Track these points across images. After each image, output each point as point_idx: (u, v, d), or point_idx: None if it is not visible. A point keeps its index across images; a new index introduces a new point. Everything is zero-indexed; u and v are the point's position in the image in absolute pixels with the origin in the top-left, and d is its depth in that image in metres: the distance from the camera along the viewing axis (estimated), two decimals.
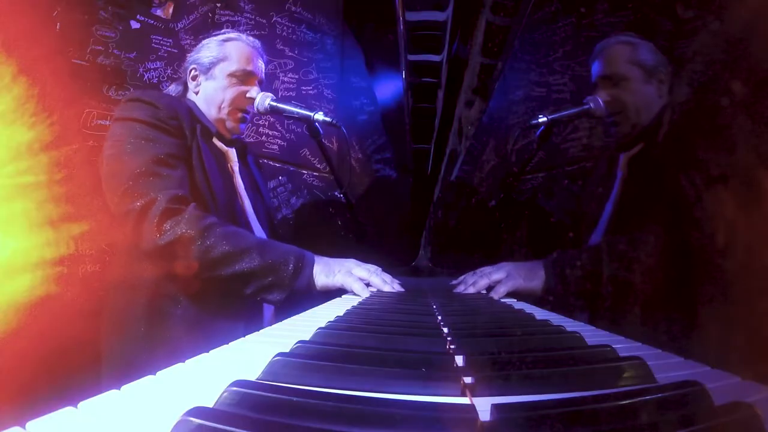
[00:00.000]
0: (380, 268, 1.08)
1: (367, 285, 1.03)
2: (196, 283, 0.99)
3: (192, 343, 0.98)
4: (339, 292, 1.05)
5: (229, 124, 1.22)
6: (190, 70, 1.23)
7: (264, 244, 1.01)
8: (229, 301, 1.04)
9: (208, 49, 1.23)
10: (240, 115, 1.22)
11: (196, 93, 1.23)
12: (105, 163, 1.02)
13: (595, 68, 1.24)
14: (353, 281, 1.01)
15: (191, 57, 1.25)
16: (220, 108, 1.20)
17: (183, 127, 1.08)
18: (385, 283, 1.04)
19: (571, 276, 1.00)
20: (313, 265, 1.02)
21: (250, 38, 1.28)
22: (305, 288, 1.00)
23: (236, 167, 1.24)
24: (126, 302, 1.03)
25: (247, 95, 1.22)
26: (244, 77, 1.22)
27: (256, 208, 1.25)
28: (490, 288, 1.06)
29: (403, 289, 1.06)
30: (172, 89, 1.28)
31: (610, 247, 1.01)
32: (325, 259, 1.05)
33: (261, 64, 1.27)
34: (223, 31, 1.27)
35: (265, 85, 1.29)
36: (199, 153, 1.08)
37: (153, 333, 0.99)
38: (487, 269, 1.10)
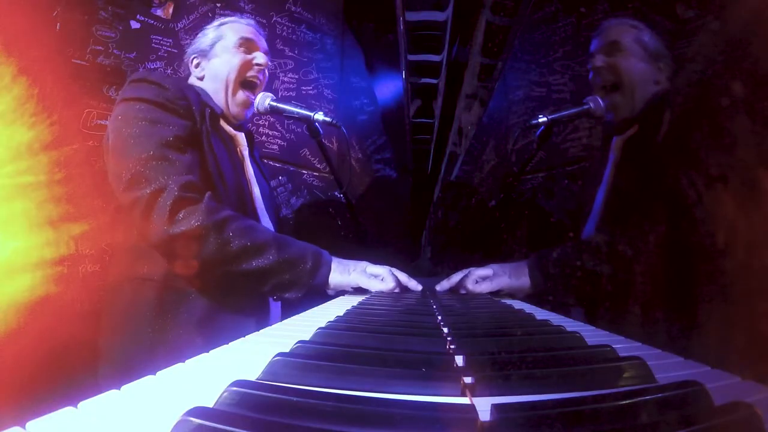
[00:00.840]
0: (393, 269, 1.06)
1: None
2: (206, 276, 0.96)
3: (202, 339, 0.96)
4: (341, 292, 1.05)
5: (234, 108, 1.19)
6: (192, 59, 1.22)
7: (281, 240, 0.98)
8: (239, 296, 1.01)
9: (205, 35, 1.23)
10: (245, 95, 1.19)
11: (201, 78, 1.20)
12: (110, 146, 0.97)
13: (597, 40, 1.22)
14: (369, 279, 1.00)
15: (190, 48, 1.24)
16: (226, 84, 1.16)
17: (192, 109, 1.04)
18: (393, 282, 1.02)
19: (558, 273, 1.00)
20: (330, 264, 1.00)
21: (244, 18, 1.29)
22: (321, 286, 0.98)
23: (246, 152, 1.23)
24: (132, 299, 1.00)
25: (254, 61, 1.20)
26: (246, 46, 1.20)
27: (263, 196, 1.23)
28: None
29: (420, 287, 1.05)
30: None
31: (609, 246, 1.01)
32: (340, 259, 1.04)
33: (260, 36, 1.26)
34: (217, 17, 1.30)
35: (265, 85, 1.29)
36: (209, 137, 1.05)
37: (161, 330, 0.96)
38: (474, 269, 1.09)
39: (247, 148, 1.24)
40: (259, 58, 1.20)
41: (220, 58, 1.18)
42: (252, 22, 1.29)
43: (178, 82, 1.07)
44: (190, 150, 0.99)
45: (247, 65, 1.19)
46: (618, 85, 1.15)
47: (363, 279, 1.00)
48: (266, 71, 1.25)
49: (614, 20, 1.25)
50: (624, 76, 1.14)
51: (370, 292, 1.02)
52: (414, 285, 1.05)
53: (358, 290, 1.05)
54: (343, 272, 1.00)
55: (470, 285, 1.06)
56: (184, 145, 0.98)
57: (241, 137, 1.23)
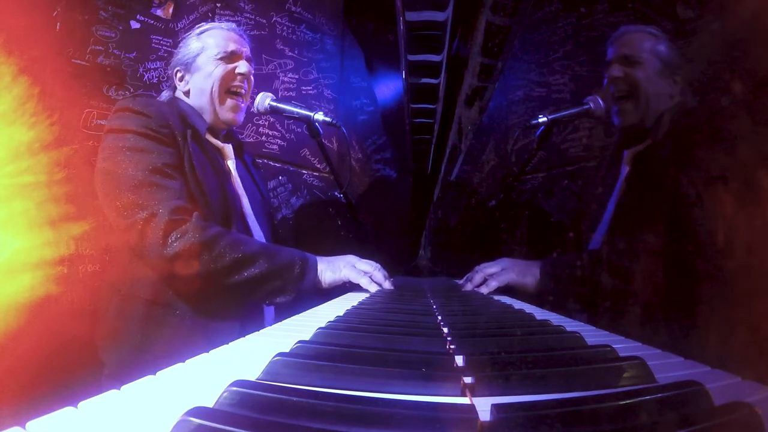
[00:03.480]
0: (379, 265, 1.11)
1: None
2: (202, 291, 1.00)
3: (189, 349, 0.97)
4: (340, 290, 1.06)
5: (224, 114, 1.19)
6: (176, 73, 1.22)
7: (270, 249, 1.03)
8: (226, 308, 1.04)
9: (187, 46, 1.22)
10: (233, 101, 1.19)
11: (186, 93, 1.21)
12: (100, 176, 1.01)
13: (614, 48, 1.20)
14: (359, 275, 1.05)
15: (173, 60, 1.24)
16: (212, 96, 1.17)
17: (174, 135, 1.07)
18: (386, 279, 1.08)
19: (567, 277, 1.01)
20: (316, 267, 1.05)
21: (224, 23, 1.27)
22: (310, 288, 1.02)
23: (233, 165, 1.23)
24: (123, 308, 1.02)
25: (237, 71, 1.20)
26: (228, 58, 1.20)
27: (254, 206, 1.24)
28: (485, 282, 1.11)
29: (392, 287, 1.08)
30: (164, 96, 1.25)
31: (610, 247, 1.01)
32: (327, 258, 1.08)
33: (243, 43, 1.25)
34: (197, 26, 1.26)
35: (265, 85, 1.29)
36: (190, 158, 1.08)
37: (150, 340, 0.99)
38: (484, 265, 1.13)
39: (235, 160, 1.25)
40: (242, 67, 1.20)
41: (203, 71, 1.19)
42: (233, 26, 1.27)
43: (161, 108, 1.09)
44: (177, 175, 1.04)
45: (229, 76, 1.19)
46: (632, 94, 1.14)
47: (353, 274, 1.05)
48: (251, 78, 1.25)
49: (632, 27, 1.22)
50: (640, 89, 1.13)
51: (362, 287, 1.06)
52: (388, 285, 1.08)
53: (355, 287, 1.08)
54: (335, 270, 1.06)
55: (480, 281, 1.11)
56: (171, 171, 1.02)
57: (228, 149, 1.24)
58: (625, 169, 1.18)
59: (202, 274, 0.95)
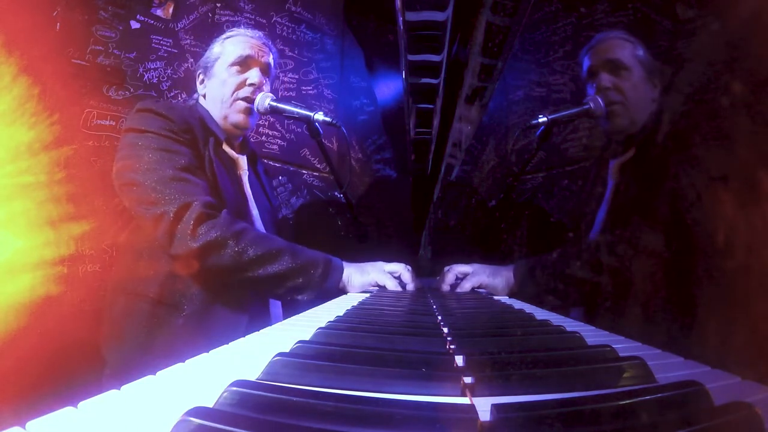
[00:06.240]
0: (409, 266, 1.13)
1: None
2: (226, 284, 1.03)
3: (192, 349, 0.98)
4: (340, 291, 1.07)
5: (234, 117, 1.19)
6: (198, 74, 1.25)
7: (294, 247, 1.05)
8: (231, 309, 1.06)
9: (210, 51, 1.25)
10: (243, 105, 1.20)
11: (204, 96, 1.23)
12: (124, 172, 1.02)
13: (593, 56, 1.21)
14: (387, 278, 1.08)
15: (199, 62, 1.27)
16: (222, 102, 1.19)
17: (196, 139, 1.09)
18: (412, 280, 1.11)
19: (540, 276, 1.04)
20: (342, 270, 1.07)
21: (250, 30, 1.28)
22: (334, 290, 1.05)
23: (245, 175, 1.25)
24: (128, 307, 1.03)
25: (248, 81, 1.20)
26: (242, 65, 1.21)
27: (263, 215, 1.26)
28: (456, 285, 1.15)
29: (413, 290, 1.10)
30: (193, 98, 1.28)
31: (608, 248, 1.02)
32: (356, 263, 1.11)
33: (262, 49, 1.26)
34: (226, 31, 1.28)
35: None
36: (211, 164, 1.10)
37: (154, 339, 0.99)
38: (456, 265, 1.18)
39: (247, 171, 1.26)
40: (253, 78, 1.20)
41: (217, 78, 1.20)
42: (259, 34, 1.28)
43: (182, 113, 1.11)
44: (203, 175, 1.07)
45: (240, 86, 1.20)
46: (623, 102, 1.15)
47: (381, 276, 1.08)
48: (266, 87, 1.25)
49: (610, 33, 1.23)
50: (629, 98, 1.14)
51: (387, 288, 1.09)
52: (411, 287, 1.11)
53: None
54: (363, 273, 1.08)
55: (452, 281, 1.15)
56: (197, 170, 1.05)
57: (242, 160, 1.26)
58: (612, 180, 1.20)
59: (225, 266, 0.98)
